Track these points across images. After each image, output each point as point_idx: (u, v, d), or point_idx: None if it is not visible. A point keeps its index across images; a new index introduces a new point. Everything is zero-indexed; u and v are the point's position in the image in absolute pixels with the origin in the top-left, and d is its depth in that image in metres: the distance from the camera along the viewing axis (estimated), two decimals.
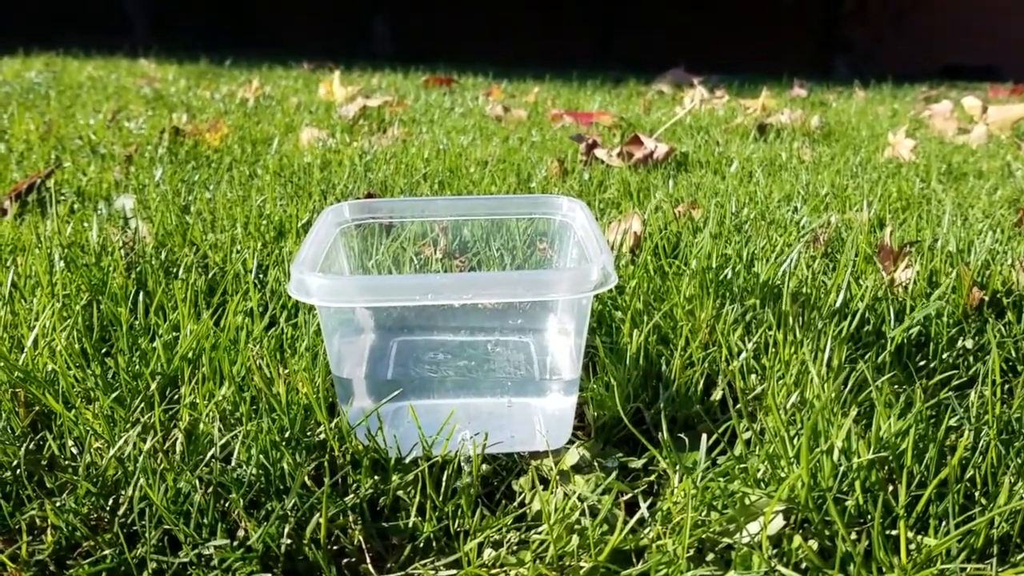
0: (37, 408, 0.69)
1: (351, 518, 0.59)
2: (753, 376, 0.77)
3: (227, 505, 0.59)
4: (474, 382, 0.75)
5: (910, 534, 0.57)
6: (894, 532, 0.57)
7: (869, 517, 0.58)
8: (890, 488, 0.60)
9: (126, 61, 4.66)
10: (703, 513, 0.59)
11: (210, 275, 0.97)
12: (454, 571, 0.56)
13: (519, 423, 0.69)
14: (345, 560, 0.58)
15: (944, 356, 0.81)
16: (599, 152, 1.83)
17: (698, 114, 2.86)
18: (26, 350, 0.74)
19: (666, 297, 0.90)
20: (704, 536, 0.57)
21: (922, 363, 0.81)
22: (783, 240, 1.08)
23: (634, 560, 0.57)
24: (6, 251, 1.06)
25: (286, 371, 0.73)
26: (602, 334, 0.84)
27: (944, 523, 0.57)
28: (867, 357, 0.77)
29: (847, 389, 0.71)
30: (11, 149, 1.79)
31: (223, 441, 0.64)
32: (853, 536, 0.57)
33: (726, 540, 0.57)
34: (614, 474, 0.63)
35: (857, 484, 0.58)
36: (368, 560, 0.57)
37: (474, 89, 3.76)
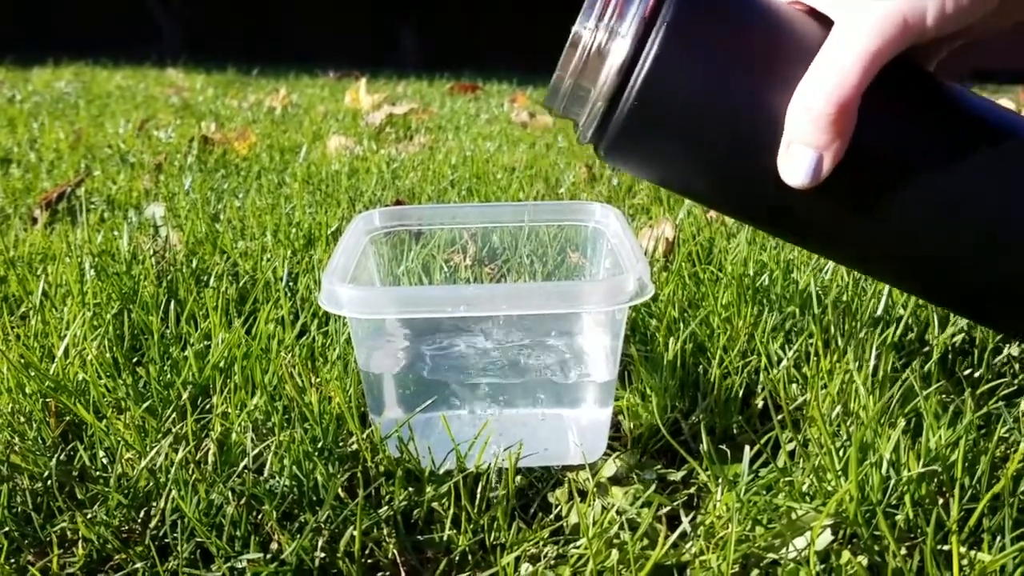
0: (68, 418, 0.69)
1: (385, 531, 0.58)
2: (794, 386, 0.75)
3: (260, 517, 0.59)
4: (506, 393, 0.73)
5: (962, 549, 0.54)
6: (946, 547, 0.55)
7: (920, 532, 0.56)
8: (940, 501, 0.58)
9: (154, 71, 4.70)
10: (747, 528, 0.57)
11: (240, 283, 0.96)
12: None
13: (552, 436, 0.68)
14: (379, 574, 0.56)
15: (991, 364, 0.79)
16: None
17: None
18: (57, 359, 0.74)
19: (702, 304, 0.88)
20: (749, 551, 0.55)
21: (967, 371, 0.79)
22: None
23: None
24: (36, 260, 1.06)
25: (318, 380, 0.72)
26: (636, 342, 0.83)
27: (999, 538, 0.55)
28: (912, 365, 0.75)
29: (893, 399, 0.69)
30: (41, 158, 1.81)
31: (256, 451, 0.63)
32: (903, 551, 0.55)
33: (771, 556, 0.55)
34: (653, 486, 0.61)
35: (907, 498, 0.56)
36: (403, 574, 0.56)
37: (499, 96, 3.75)
